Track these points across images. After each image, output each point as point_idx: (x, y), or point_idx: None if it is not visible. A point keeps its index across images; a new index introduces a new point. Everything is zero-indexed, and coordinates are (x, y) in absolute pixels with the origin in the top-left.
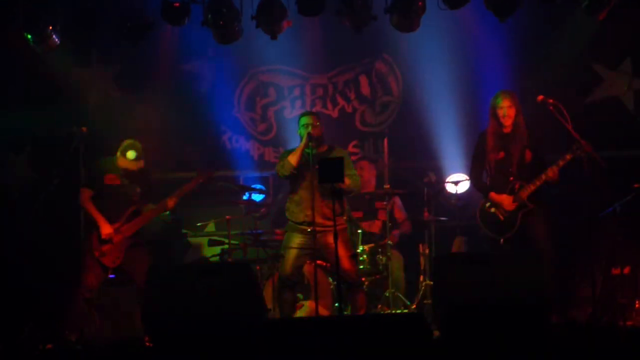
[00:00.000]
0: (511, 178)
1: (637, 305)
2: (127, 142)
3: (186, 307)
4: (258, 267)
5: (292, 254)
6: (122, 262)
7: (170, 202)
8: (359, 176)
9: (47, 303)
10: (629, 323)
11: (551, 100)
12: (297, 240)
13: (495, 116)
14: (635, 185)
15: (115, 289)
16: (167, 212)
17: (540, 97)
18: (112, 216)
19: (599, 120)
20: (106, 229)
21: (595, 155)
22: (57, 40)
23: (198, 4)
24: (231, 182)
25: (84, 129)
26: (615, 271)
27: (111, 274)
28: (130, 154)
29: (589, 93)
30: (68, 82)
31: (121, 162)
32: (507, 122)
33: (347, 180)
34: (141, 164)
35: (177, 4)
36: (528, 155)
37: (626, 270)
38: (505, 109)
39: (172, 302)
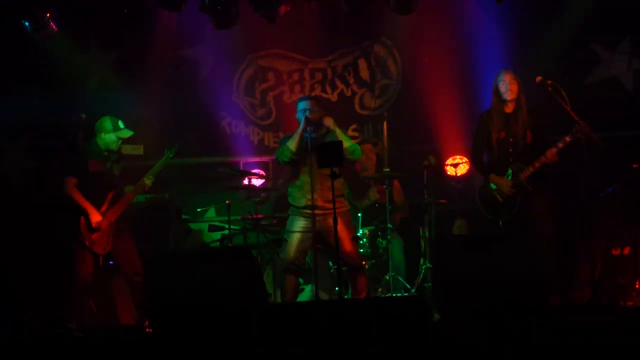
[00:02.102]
0: (511, 159)
1: (637, 286)
2: (110, 118)
3: (187, 293)
4: (258, 253)
5: (295, 237)
6: (111, 249)
7: (147, 182)
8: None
9: (46, 292)
10: (629, 303)
11: (550, 82)
12: (300, 224)
13: (497, 93)
14: (635, 166)
15: (110, 275)
16: (145, 196)
17: (539, 78)
18: (96, 202)
19: (598, 101)
20: (96, 217)
21: (594, 136)
22: (54, 27)
23: None
24: (231, 167)
25: (83, 116)
26: (615, 252)
27: (108, 261)
28: (127, 132)
29: (587, 73)
30: (66, 69)
31: (121, 135)
32: (510, 97)
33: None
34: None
35: None
36: (529, 136)
37: (626, 250)
38: (507, 82)
39: (173, 288)
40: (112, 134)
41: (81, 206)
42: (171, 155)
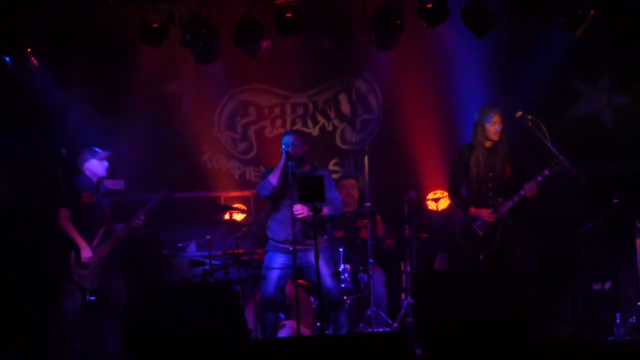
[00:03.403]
0: (490, 194)
1: (617, 321)
2: (84, 149)
3: (168, 329)
4: (239, 288)
5: (274, 274)
6: (99, 285)
7: (137, 222)
8: (341, 197)
9: (32, 325)
10: (610, 339)
11: (530, 117)
12: (279, 260)
13: (482, 130)
14: (615, 201)
15: (95, 312)
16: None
17: (519, 113)
18: (88, 236)
19: (577, 136)
20: (87, 252)
21: (574, 171)
22: (35, 62)
23: (177, 24)
24: (212, 202)
25: (64, 151)
26: (596, 287)
27: (91, 296)
28: (104, 153)
29: (567, 109)
30: (47, 103)
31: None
32: (496, 138)
33: (325, 210)
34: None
35: (156, 25)
36: (508, 170)
37: (607, 285)
38: (497, 124)
39: (154, 324)
40: (94, 159)
41: (73, 240)
42: (166, 197)
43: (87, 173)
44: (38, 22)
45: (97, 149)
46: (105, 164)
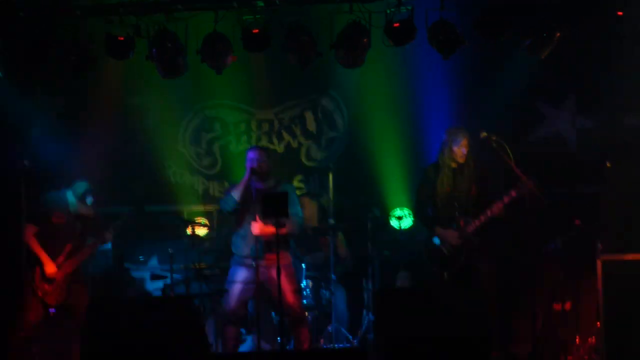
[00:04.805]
0: (456, 213)
1: (577, 341)
2: (82, 184)
3: (128, 342)
4: (201, 302)
5: (237, 288)
6: (63, 300)
7: (107, 237)
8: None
9: None
10: (569, 358)
11: (494, 137)
12: (242, 274)
13: (449, 151)
14: (577, 222)
15: (55, 326)
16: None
17: (484, 134)
18: (53, 253)
19: (542, 157)
20: (51, 268)
21: (537, 192)
22: None
23: (143, 38)
24: (175, 216)
25: (26, 162)
26: (557, 307)
27: (52, 309)
28: (89, 200)
29: (532, 130)
30: (10, 114)
31: (78, 207)
32: (462, 160)
33: (286, 227)
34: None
35: (122, 38)
36: (473, 190)
37: (567, 305)
38: (464, 147)
39: (113, 337)
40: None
41: (36, 255)
42: (136, 214)
43: (75, 205)
44: (3, 32)
45: (94, 201)
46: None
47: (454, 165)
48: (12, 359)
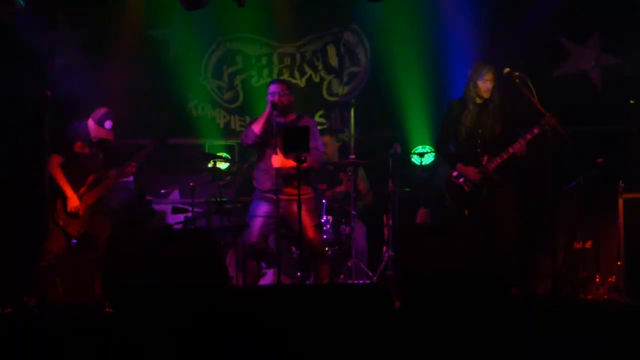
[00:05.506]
0: (479, 150)
1: (597, 280)
2: (103, 110)
3: (148, 274)
4: (221, 236)
5: (258, 222)
6: (85, 231)
7: (129, 169)
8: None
9: (7, 267)
10: (589, 297)
11: (517, 74)
12: (263, 208)
13: (474, 87)
14: (599, 160)
15: (77, 256)
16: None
17: (507, 70)
18: (75, 183)
19: (565, 95)
20: (74, 202)
21: (561, 129)
22: (22, 2)
23: None
24: (196, 149)
25: (49, 92)
26: (577, 245)
27: (74, 239)
28: (109, 124)
29: (556, 67)
30: (34, 44)
31: (96, 132)
32: (487, 95)
33: (307, 161)
34: (113, 133)
35: None
36: (497, 127)
37: (588, 244)
38: (489, 82)
39: (134, 269)
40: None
41: (60, 187)
42: (154, 147)
43: (94, 130)
44: None
45: (114, 126)
46: (107, 125)
47: (479, 101)
48: (35, 285)
